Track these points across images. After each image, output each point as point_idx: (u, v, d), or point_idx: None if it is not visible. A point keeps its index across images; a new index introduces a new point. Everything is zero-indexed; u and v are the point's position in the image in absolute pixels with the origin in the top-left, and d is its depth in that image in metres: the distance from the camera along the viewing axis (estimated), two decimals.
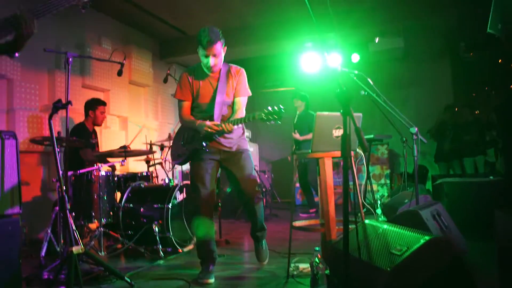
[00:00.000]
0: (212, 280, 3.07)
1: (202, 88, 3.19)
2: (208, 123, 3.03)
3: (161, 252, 3.87)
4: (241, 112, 3.23)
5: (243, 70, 3.32)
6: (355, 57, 6.89)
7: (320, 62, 5.49)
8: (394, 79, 7.99)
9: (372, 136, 6.00)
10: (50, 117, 2.94)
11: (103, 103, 4.98)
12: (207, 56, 3.07)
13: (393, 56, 7.52)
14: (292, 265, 3.22)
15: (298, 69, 6.29)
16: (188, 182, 3.66)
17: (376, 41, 6.76)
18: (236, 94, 3.26)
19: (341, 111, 1.70)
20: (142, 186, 4.38)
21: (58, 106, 2.92)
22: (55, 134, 3.04)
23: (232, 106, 3.28)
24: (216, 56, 3.08)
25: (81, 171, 4.05)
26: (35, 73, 5.14)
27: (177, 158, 3.31)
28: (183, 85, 3.21)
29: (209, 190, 3.16)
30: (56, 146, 2.97)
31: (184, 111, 3.24)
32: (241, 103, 3.27)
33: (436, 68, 8.14)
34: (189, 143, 3.20)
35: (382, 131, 7.46)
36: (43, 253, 3.63)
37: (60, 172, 2.96)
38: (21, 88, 4.84)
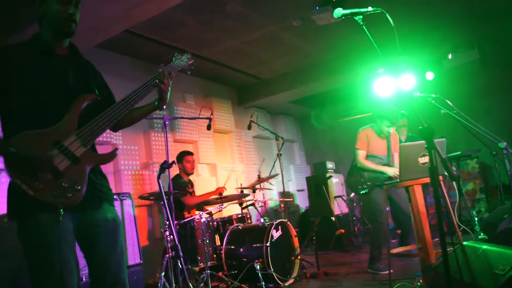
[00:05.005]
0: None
1: (377, 144, 4.53)
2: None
3: None
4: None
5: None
6: (430, 75, 6.80)
7: (394, 86, 5.54)
8: (474, 90, 7.71)
9: (459, 152, 5.86)
10: (158, 177, 3.32)
11: (188, 153, 5.43)
12: (388, 126, 4.42)
13: (470, 70, 7.27)
14: None
15: (371, 95, 6.29)
16: (283, 220, 4.70)
17: (449, 58, 6.62)
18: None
19: (426, 146, 1.85)
20: (240, 227, 4.68)
21: (165, 167, 3.31)
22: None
23: None
24: (394, 128, 4.51)
25: (184, 220, 4.45)
26: (133, 136, 5.76)
27: (357, 190, 4.56)
28: (364, 140, 4.54)
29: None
30: (165, 200, 3.36)
31: (364, 158, 4.52)
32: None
33: None
34: (370, 180, 4.41)
35: (468, 145, 7.20)
36: None
37: (171, 223, 3.31)
38: (123, 151, 5.45)
